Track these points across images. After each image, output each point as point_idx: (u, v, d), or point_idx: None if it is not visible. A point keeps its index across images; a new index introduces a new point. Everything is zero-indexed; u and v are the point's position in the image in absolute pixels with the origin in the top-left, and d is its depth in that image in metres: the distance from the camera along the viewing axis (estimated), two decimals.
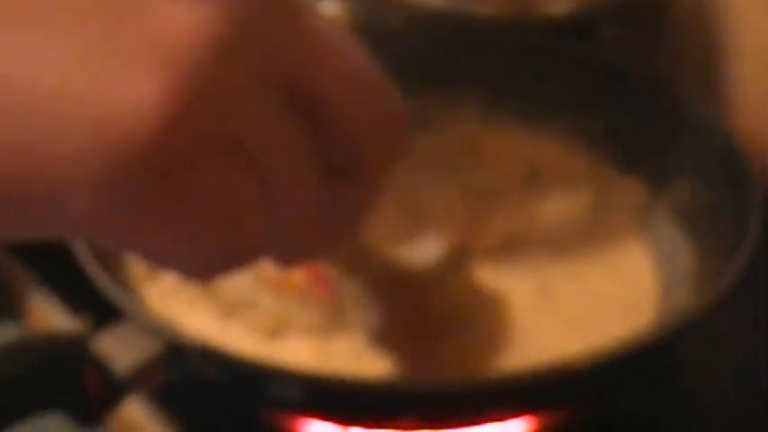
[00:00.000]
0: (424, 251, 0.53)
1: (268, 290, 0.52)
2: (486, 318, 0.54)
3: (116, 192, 0.25)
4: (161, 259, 0.29)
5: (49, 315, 0.56)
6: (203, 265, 0.29)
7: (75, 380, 0.44)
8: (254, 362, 0.44)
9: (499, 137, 0.63)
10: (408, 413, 0.46)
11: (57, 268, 0.55)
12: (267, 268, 0.49)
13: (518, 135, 0.63)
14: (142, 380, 0.46)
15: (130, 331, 0.46)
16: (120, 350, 0.45)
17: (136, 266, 0.54)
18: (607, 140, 0.62)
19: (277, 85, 0.28)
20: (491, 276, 0.55)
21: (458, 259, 0.54)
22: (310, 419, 0.49)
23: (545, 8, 0.66)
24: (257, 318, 0.52)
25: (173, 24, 0.25)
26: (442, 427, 0.48)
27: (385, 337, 0.51)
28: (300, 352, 0.51)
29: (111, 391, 0.45)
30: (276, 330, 0.52)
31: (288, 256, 0.33)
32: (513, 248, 0.57)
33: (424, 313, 0.52)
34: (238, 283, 0.52)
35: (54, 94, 0.25)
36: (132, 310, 0.46)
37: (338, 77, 0.29)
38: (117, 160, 0.25)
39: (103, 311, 0.46)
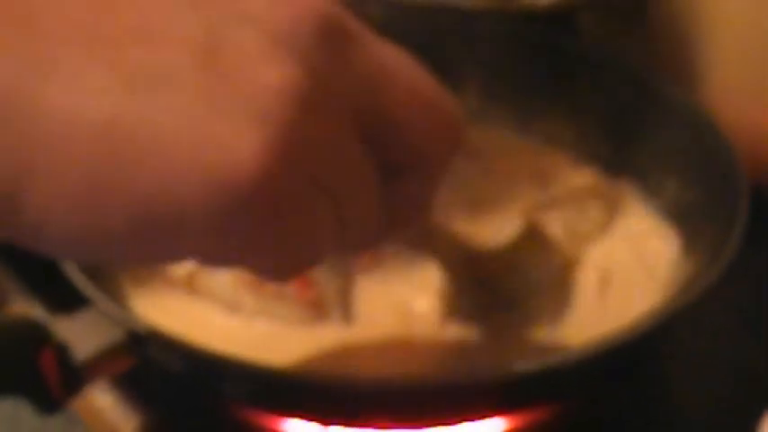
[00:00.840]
0: (499, 230, 0.56)
1: (247, 290, 0.53)
2: (552, 294, 0.55)
3: (224, 226, 0.30)
4: (245, 267, 0.34)
5: (10, 299, 0.55)
6: (281, 271, 0.35)
7: (35, 365, 0.43)
8: (207, 353, 0.44)
9: (481, 130, 0.63)
10: (381, 412, 0.46)
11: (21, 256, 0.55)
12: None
13: (500, 129, 0.64)
14: (103, 367, 0.45)
15: (92, 318, 0.46)
16: (81, 336, 0.45)
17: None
18: (593, 136, 0.62)
19: (352, 121, 0.32)
20: None
21: (533, 236, 0.56)
22: (268, 414, 0.49)
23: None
24: (240, 316, 0.53)
25: (264, 84, 0.30)
26: (415, 427, 0.48)
27: (456, 315, 0.53)
28: (285, 349, 0.51)
29: (71, 377, 0.44)
30: (258, 328, 0.52)
31: (355, 249, 0.38)
32: None
33: (497, 290, 0.54)
34: (220, 283, 0.53)
35: (172, 146, 0.29)
36: (94, 296, 0.46)
37: (404, 97, 0.34)
38: (225, 202, 0.30)
39: (66, 298, 0.47)
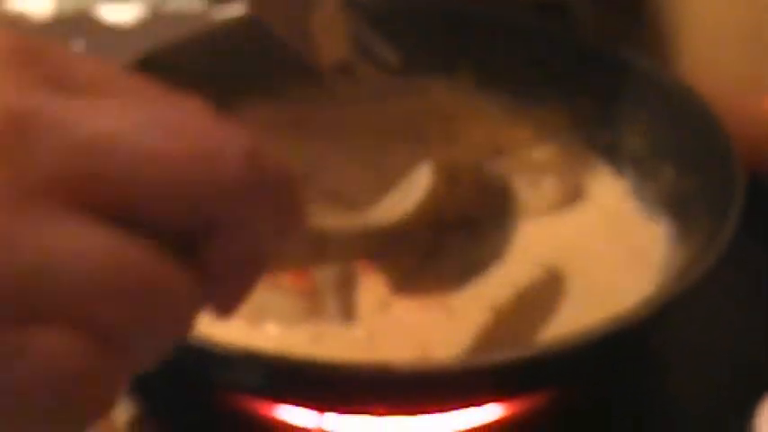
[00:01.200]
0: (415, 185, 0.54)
1: None
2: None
3: None
4: None
5: None
6: None
7: None
8: (202, 341, 0.44)
9: (472, 114, 0.63)
10: (378, 398, 0.46)
11: None
12: None
13: (493, 114, 0.64)
14: None
15: None
16: None
17: None
18: (586, 123, 0.63)
19: (65, 204, 0.24)
20: None
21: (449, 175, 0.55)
22: (264, 402, 0.50)
23: None
24: (243, 308, 0.51)
25: None
26: (409, 414, 0.48)
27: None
28: (283, 339, 0.51)
29: None
30: (255, 319, 0.52)
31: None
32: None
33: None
34: None
35: None
36: None
37: (131, 165, 0.25)
38: None
39: None
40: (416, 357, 0.50)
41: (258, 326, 0.51)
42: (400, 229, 0.53)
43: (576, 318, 0.49)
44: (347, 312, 0.52)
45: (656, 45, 0.65)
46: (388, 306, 0.53)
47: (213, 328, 0.45)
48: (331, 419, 0.48)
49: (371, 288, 0.53)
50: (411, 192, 0.54)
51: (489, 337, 0.50)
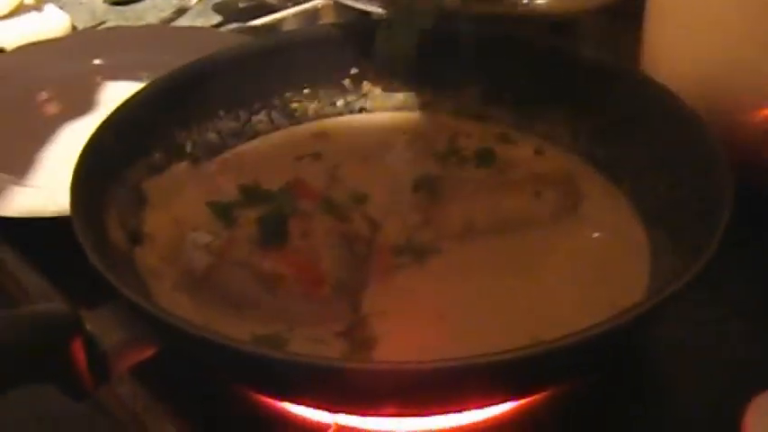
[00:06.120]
0: None
1: (266, 288, 0.54)
2: None
3: None
4: None
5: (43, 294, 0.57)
6: None
7: (66, 354, 0.45)
8: (224, 341, 0.45)
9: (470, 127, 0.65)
10: (387, 396, 0.46)
11: (52, 255, 0.58)
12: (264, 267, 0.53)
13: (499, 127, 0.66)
14: (127, 356, 0.47)
15: (116, 310, 0.47)
16: (106, 327, 0.47)
17: (146, 261, 0.57)
18: (587, 136, 0.65)
19: None
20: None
21: None
22: (277, 400, 0.51)
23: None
24: (259, 313, 0.54)
25: None
26: (422, 413, 0.48)
27: None
28: (305, 343, 0.52)
29: (98, 365, 0.46)
30: (279, 324, 0.53)
31: None
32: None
33: None
34: (238, 279, 0.54)
35: None
36: (120, 290, 0.47)
37: None
38: None
39: (89, 293, 0.48)
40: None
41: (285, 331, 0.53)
42: None
43: (569, 321, 0.49)
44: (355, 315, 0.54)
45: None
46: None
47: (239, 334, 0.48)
48: (342, 419, 0.50)
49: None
50: None
51: None
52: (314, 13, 0.98)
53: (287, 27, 0.96)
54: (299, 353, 0.49)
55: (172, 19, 0.98)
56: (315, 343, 0.52)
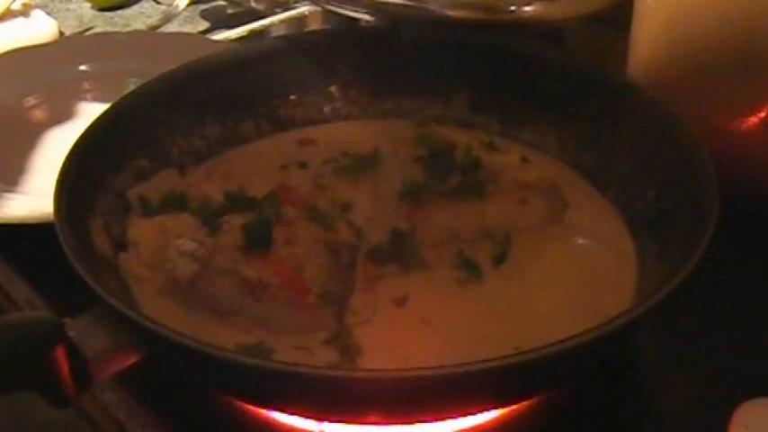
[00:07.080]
0: None
1: (251, 296, 0.53)
2: None
3: None
4: None
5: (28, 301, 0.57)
6: None
7: (48, 362, 0.45)
8: (208, 350, 0.45)
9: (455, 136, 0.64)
10: (372, 404, 0.46)
11: (38, 262, 0.57)
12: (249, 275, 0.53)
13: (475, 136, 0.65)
14: (110, 364, 0.47)
15: (99, 318, 0.47)
16: (89, 335, 0.46)
17: (130, 268, 0.56)
18: (573, 144, 0.65)
19: None
20: None
21: None
22: (263, 409, 0.51)
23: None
24: (243, 321, 0.54)
25: None
26: (407, 421, 0.48)
27: None
28: (290, 351, 0.52)
29: (81, 373, 0.46)
30: (263, 332, 0.53)
31: None
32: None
33: None
34: (223, 288, 0.54)
35: None
36: (103, 296, 0.47)
37: None
38: None
39: (72, 301, 0.48)
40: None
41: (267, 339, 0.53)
42: None
43: (555, 329, 0.48)
44: (340, 324, 0.54)
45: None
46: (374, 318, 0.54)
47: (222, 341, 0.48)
48: (327, 427, 0.50)
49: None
50: None
51: None
52: (301, 20, 0.98)
53: (274, 33, 0.96)
54: (284, 361, 0.49)
55: (159, 25, 0.98)
56: (300, 351, 0.52)
